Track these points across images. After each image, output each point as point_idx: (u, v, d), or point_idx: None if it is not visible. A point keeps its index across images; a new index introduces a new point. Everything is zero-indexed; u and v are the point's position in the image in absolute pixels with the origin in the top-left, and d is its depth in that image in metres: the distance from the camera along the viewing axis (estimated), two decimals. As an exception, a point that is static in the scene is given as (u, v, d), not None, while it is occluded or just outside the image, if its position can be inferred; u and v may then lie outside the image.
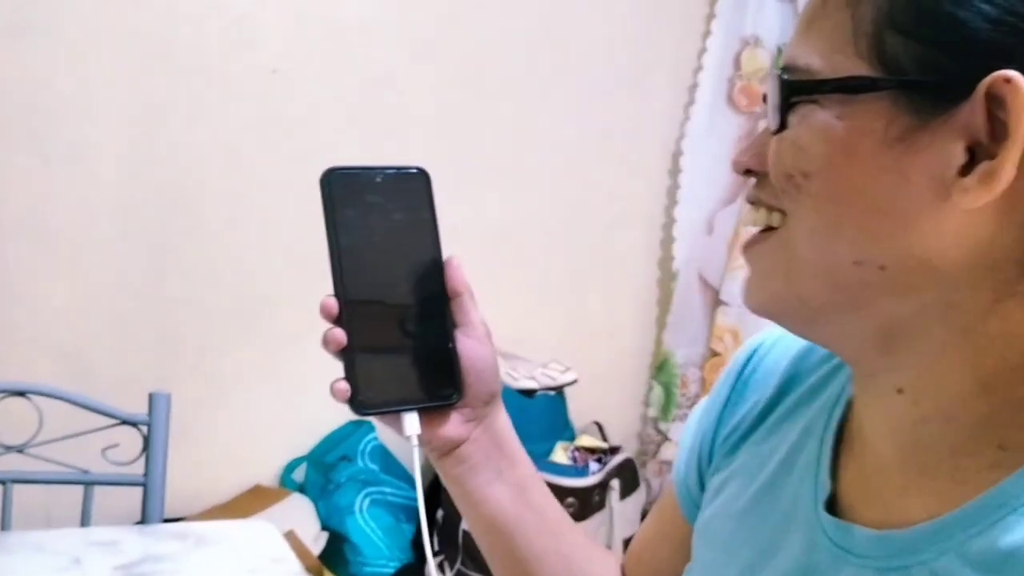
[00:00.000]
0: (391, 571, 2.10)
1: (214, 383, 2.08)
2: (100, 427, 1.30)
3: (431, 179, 0.73)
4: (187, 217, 2.08)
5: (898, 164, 0.47)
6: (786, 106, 0.51)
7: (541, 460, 2.20)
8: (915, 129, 0.46)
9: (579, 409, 2.41)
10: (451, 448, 0.71)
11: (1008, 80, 0.44)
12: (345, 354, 0.66)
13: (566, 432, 2.36)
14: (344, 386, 0.66)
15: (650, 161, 2.51)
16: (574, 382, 2.35)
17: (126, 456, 1.29)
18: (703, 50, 2.53)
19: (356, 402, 0.66)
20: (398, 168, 0.72)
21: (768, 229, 0.54)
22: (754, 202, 0.55)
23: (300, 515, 2.07)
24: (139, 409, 1.33)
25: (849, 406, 0.60)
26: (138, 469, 1.31)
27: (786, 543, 0.58)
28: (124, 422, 1.30)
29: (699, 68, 2.51)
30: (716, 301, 2.50)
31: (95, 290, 2.00)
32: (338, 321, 0.67)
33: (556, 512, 0.76)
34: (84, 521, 1.28)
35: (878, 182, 0.48)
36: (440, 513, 2.19)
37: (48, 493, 1.30)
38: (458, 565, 2.11)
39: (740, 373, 0.70)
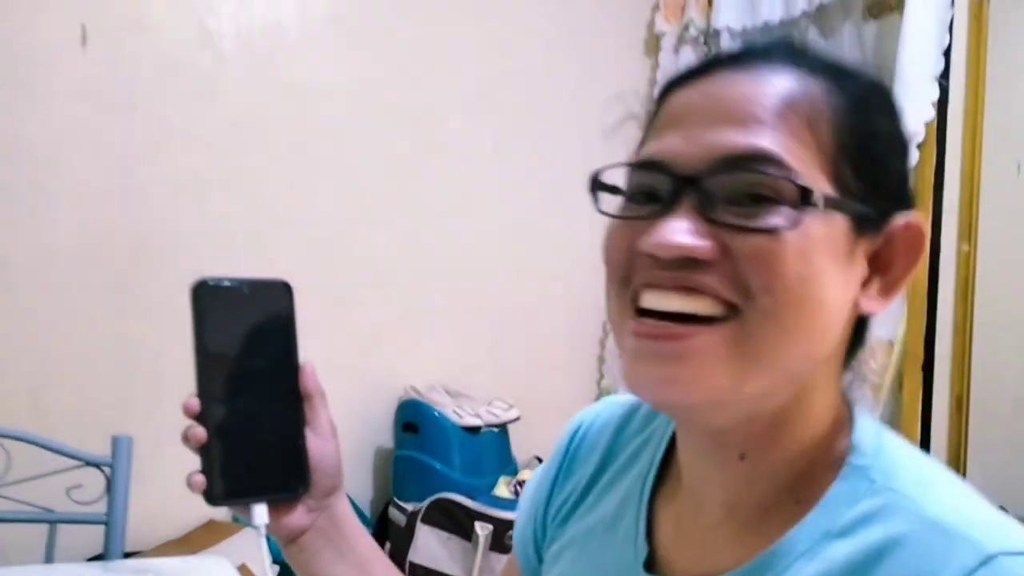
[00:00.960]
0: (340, 602, 2.18)
1: (170, 422, 2.15)
2: (64, 468, 1.39)
3: (293, 290, 0.78)
4: (145, 261, 2.16)
5: (844, 275, 0.56)
6: (797, 211, 0.53)
7: (485, 494, 2.30)
8: (853, 247, 0.56)
9: (521, 444, 2.52)
10: (296, 535, 0.76)
11: (906, 225, 0.58)
12: (203, 450, 0.71)
13: (509, 467, 2.46)
14: (200, 479, 0.70)
15: (592, 213, 2.66)
16: (517, 419, 2.46)
17: (89, 496, 1.38)
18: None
19: (209, 495, 0.71)
20: (265, 280, 0.77)
21: (701, 319, 0.55)
22: (695, 289, 0.55)
23: (252, 549, 2.15)
24: (96, 447, 1.42)
25: (660, 476, 0.68)
26: (100, 508, 1.40)
27: None
28: (88, 463, 1.39)
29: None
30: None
31: (55, 332, 2.07)
32: (199, 419, 0.71)
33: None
34: (48, 558, 1.37)
35: (836, 290, 0.56)
36: (388, 546, 2.29)
37: (12, 531, 1.38)
38: (404, 596, 2.21)
39: (567, 450, 0.78)
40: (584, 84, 2.67)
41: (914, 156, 1.96)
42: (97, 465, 1.39)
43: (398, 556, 2.24)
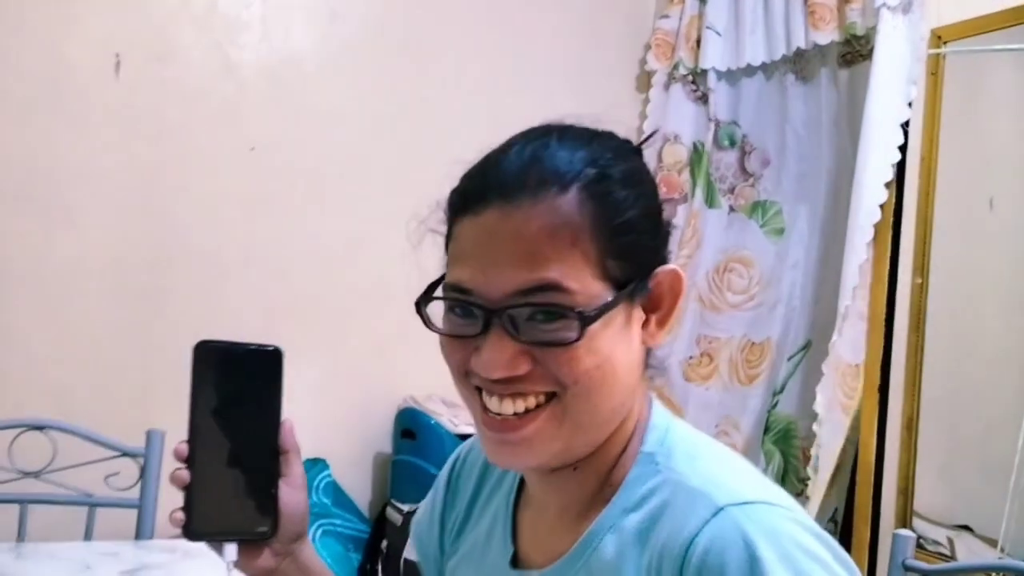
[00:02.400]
0: (339, 596, 2.34)
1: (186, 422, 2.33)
2: (103, 458, 1.56)
3: (283, 356, 0.86)
4: (170, 274, 2.34)
5: (628, 339, 0.73)
6: (580, 326, 0.69)
7: (476, 498, 2.46)
8: (630, 312, 0.73)
9: (512, 454, 2.68)
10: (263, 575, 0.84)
11: (670, 273, 0.75)
12: (186, 490, 0.79)
13: (500, 474, 2.62)
14: (180, 515, 0.78)
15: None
16: (508, 429, 2.63)
17: (124, 483, 1.55)
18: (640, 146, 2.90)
19: (188, 529, 0.79)
20: (260, 346, 0.85)
21: (532, 408, 0.71)
22: (519, 394, 0.71)
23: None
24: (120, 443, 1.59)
25: (519, 492, 0.85)
26: (134, 494, 1.57)
27: None
28: (124, 454, 1.56)
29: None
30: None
31: (85, 337, 2.24)
32: (186, 462, 0.80)
33: None
34: (88, 536, 1.53)
35: (624, 354, 0.73)
36: (385, 543, 2.45)
37: (57, 512, 1.55)
38: (396, 591, 2.37)
39: (450, 478, 0.95)
40: (578, 118, 2.85)
41: (882, 195, 2.12)
42: (133, 455, 1.56)
43: (395, 554, 2.40)
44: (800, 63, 2.51)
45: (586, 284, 0.70)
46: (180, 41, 2.34)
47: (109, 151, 2.26)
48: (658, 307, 0.76)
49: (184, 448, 0.80)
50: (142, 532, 1.55)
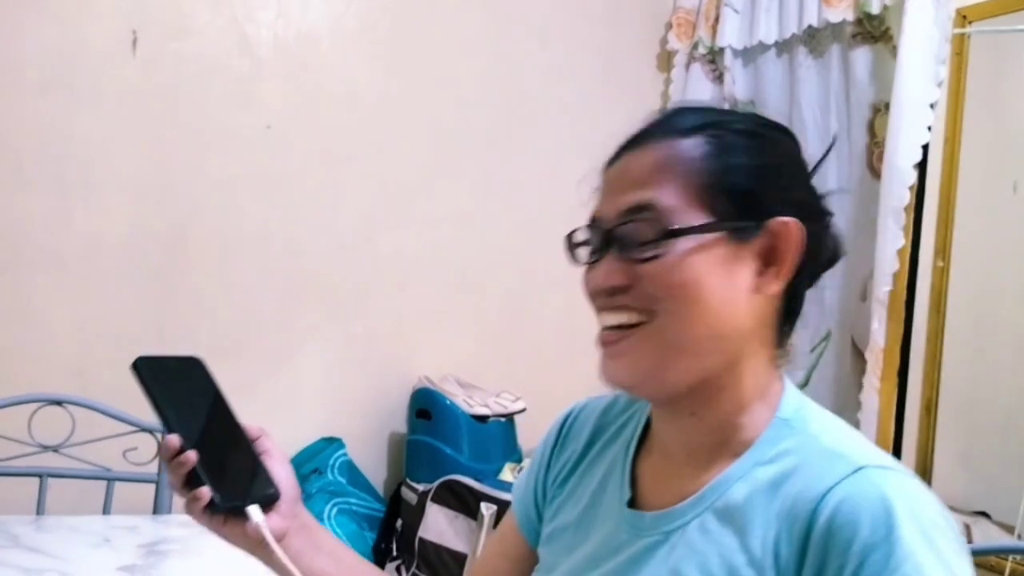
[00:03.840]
0: (353, 573, 2.35)
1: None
2: (121, 433, 1.56)
3: (205, 362, 0.95)
4: (185, 252, 2.34)
5: (728, 274, 0.77)
6: (660, 242, 0.76)
7: (491, 478, 2.47)
8: (737, 251, 0.77)
9: (527, 435, 2.68)
10: (281, 537, 0.88)
11: (783, 223, 0.77)
12: (194, 473, 0.84)
13: (514, 455, 2.62)
14: (206, 490, 0.84)
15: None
16: (523, 410, 2.62)
17: (142, 457, 1.56)
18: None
19: (221, 500, 0.84)
20: (183, 356, 0.95)
21: (627, 326, 0.78)
22: (620, 307, 0.79)
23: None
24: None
25: (642, 439, 0.89)
26: (152, 468, 1.57)
27: (607, 535, 0.86)
28: (142, 429, 1.57)
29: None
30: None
31: (101, 314, 2.25)
32: (179, 453, 0.85)
33: (365, 564, 1.00)
34: (106, 510, 1.54)
35: (721, 287, 0.77)
36: (399, 522, 2.46)
37: (77, 486, 1.56)
38: (413, 568, 2.38)
39: (559, 432, 0.99)
40: (600, 96, 2.83)
41: (912, 177, 2.09)
42: (150, 431, 1.56)
43: (409, 532, 2.41)
44: (811, 40, 2.49)
45: (685, 209, 0.77)
46: (197, 18, 2.33)
47: (126, 128, 2.26)
48: (777, 258, 0.78)
49: (174, 439, 0.86)
50: (160, 507, 1.55)
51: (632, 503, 0.86)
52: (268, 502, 0.88)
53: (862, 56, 2.34)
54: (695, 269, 0.76)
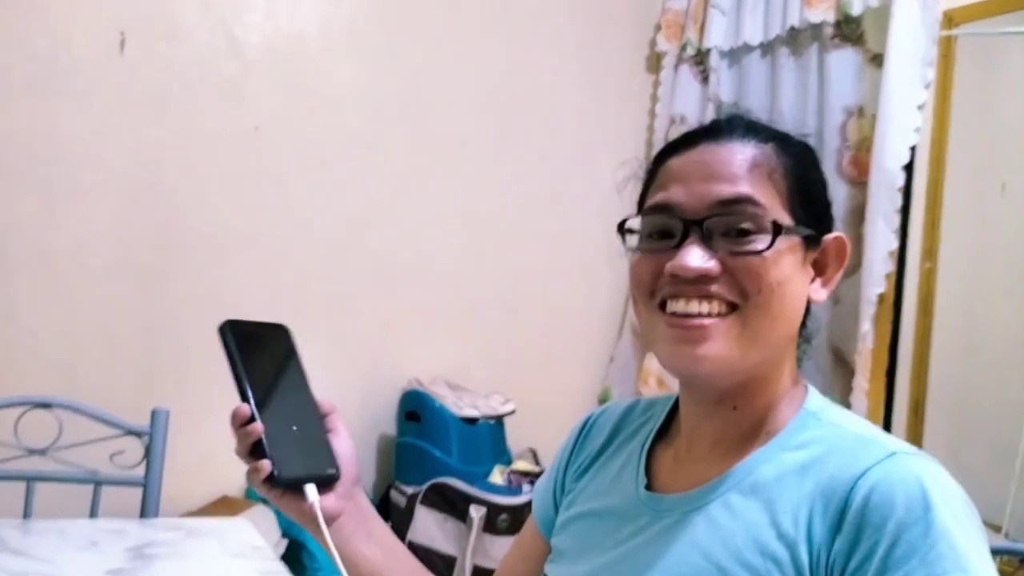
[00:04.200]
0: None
1: (190, 402, 2.31)
2: (108, 436, 1.55)
3: (291, 331, 0.96)
4: (173, 253, 2.33)
5: (802, 277, 0.82)
6: (771, 236, 0.78)
7: (480, 480, 2.47)
8: (805, 257, 0.82)
9: (516, 436, 2.69)
10: (334, 518, 0.91)
11: (839, 238, 0.85)
12: (258, 445, 0.86)
13: (504, 456, 2.62)
14: (267, 463, 0.86)
15: (591, 219, 2.83)
16: (512, 412, 2.62)
17: (130, 461, 1.55)
18: (651, 126, 2.90)
19: (278, 475, 0.86)
20: (271, 323, 0.95)
21: (713, 314, 0.79)
22: (706, 295, 0.79)
23: (263, 524, 2.30)
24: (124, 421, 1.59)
25: (659, 435, 0.93)
26: (139, 472, 1.56)
27: (625, 518, 0.88)
28: (129, 432, 1.56)
29: (649, 140, 2.89)
30: (646, 348, 2.80)
31: (89, 316, 2.23)
32: (248, 423, 0.87)
33: (413, 561, 1.02)
34: (93, 514, 1.53)
35: (799, 288, 0.82)
36: (388, 524, 2.45)
37: (63, 490, 1.55)
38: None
39: (579, 434, 1.02)
40: (591, 99, 2.84)
41: (899, 177, 2.09)
42: (138, 434, 1.56)
43: (397, 535, 2.40)
44: (794, 43, 2.50)
45: (776, 210, 0.80)
46: (185, 19, 2.32)
47: (113, 129, 2.25)
48: (824, 269, 0.85)
49: (246, 408, 0.88)
50: (147, 510, 1.54)
51: (649, 489, 0.88)
52: (327, 482, 0.90)
53: (837, 59, 2.36)
54: (787, 268, 0.80)
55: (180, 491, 2.30)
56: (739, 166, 0.80)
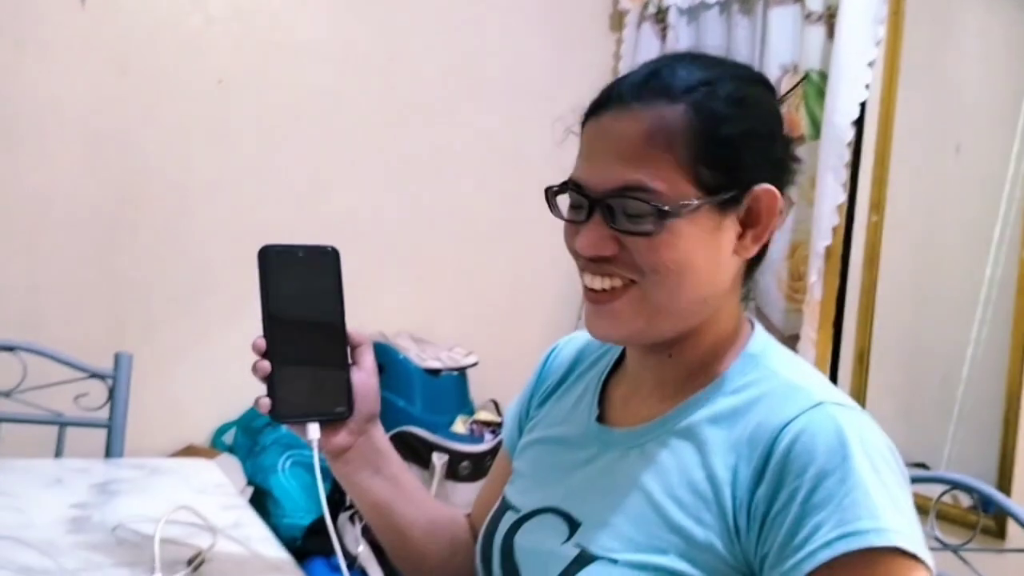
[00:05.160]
0: (306, 523, 2.39)
1: (156, 353, 2.34)
2: (72, 379, 1.59)
3: (340, 255, 0.96)
4: (137, 205, 2.35)
5: (715, 243, 0.82)
6: (659, 220, 0.79)
7: (443, 429, 2.52)
8: (721, 221, 0.82)
9: (479, 388, 2.73)
10: (341, 452, 0.97)
11: (765, 191, 0.83)
12: (268, 379, 0.90)
13: (466, 407, 2.67)
14: (267, 401, 0.91)
15: (556, 175, 2.86)
16: (475, 364, 2.67)
17: (94, 403, 1.58)
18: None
19: (275, 413, 0.91)
20: (317, 246, 0.96)
21: (615, 290, 0.83)
22: (606, 273, 0.83)
23: (229, 471, 2.34)
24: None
25: (615, 369, 0.97)
26: (103, 414, 1.60)
27: (576, 446, 0.94)
28: (93, 375, 1.59)
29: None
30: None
31: (54, 265, 2.25)
32: (265, 355, 0.91)
33: (422, 494, 1.07)
34: (58, 454, 1.57)
35: (706, 256, 0.82)
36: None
37: (28, 431, 1.58)
38: (365, 520, 2.43)
39: (544, 364, 1.07)
40: (554, 57, 2.86)
41: (849, 133, 2.14)
42: (101, 377, 1.59)
43: (362, 483, 2.45)
44: (745, 1, 2.51)
45: (674, 185, 0.80)
46: (147, -29, 2.32)
47: (76, 81, 2.25)
48: (756, 222, 0.84)
49: (261, 342, 0.91)
50: (112, 451, 1.58)
51: (600, 421, 0.93)
52: (333, 420, 0.94)
53: (778, 16, 2.37)
54: (684, 245, 0.80)
55: (146, 439, 2.32)
56: (634, 142, 0.80)
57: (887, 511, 0.72)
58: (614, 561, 0.81)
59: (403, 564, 1.07)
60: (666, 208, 0.79)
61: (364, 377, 0.97)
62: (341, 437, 0.96)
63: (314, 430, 0.93)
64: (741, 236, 0.83)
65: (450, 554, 1.06)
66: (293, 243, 0.94)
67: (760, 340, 0.88)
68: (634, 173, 0.79)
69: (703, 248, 0.81)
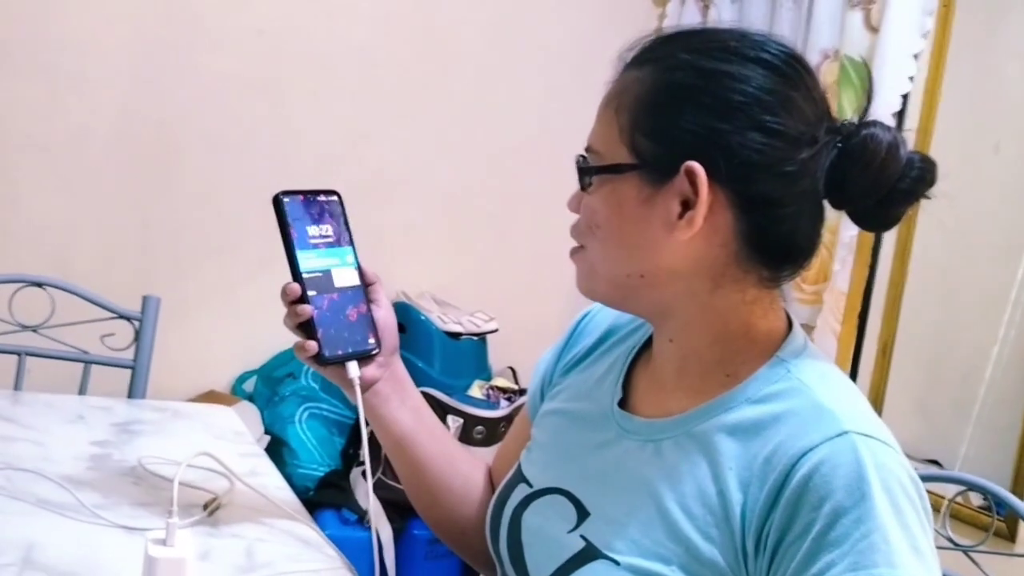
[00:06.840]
0: (320, 474, 2.42)
1: (183, 299, 2.36)
2: (100, 318, 1.61)
3: (343, 198, 1.02)
4: (173, 150, 2.36)
5: (645, 215, 0.80)
6: (587, 179, 0.84)
7: (460, 392, 2.53)
8: (653, 194, 0.80)
9: (498, 355, 2.75)
10: (372, 384, 1.02)
11: (693, 168, 0.78)
12: (307, 325, 0.95)
13: (484, 373, 2.69)
14: (313, 344, 0.95)
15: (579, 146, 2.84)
16: (495, 331, 2.68)
17: (119, 344, 1.61)
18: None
19: (319, 357, 0.95)
20: (323, 190, 1.01)
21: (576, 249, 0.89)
22: (574, 233, 0.89)
23: (247, 418, 2.38)
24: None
25: (644, 348, 0.95)
26: (128, 355, 1.62)
27: (595, 427, 0.93)
28: (120, 316, 1.61)
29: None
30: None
31: (87, 205, 2.28)
32: (299, 301, 0.95)
33: (441, 429, 1.10)
34: (81, 392, 1.59)
35: (635, 227, 0.81)
36: (368, 431, 2.53)
37: (54, 366, 1.61)
38: (379, 474, 2.46)
39: (575, 328, 1.06)
40: (596, 30, 2.83)
41: (889, 123, 2.09)
42: (128, 318, 1.61)
43: (376, 440, 2.48)
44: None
45: (612, 148, 0.82)
46: (193, -83, 2.32)
47: (119, 22, 2.26)
48: (693, 203, 0.79)
49: (296, 287, 0.96)
50: (135, 392, 1.61)
51: (622, 405, 0.92)
52: (367, 356, 0.99)
53: (822, 0, 2.33)
54: (608, 208, 0.83)
55: (168, 382, 2.35)
56: (602, 105, 0.85)
57: (905, 557, 0.69)
58: (616, 563, 0.80)
59: (419, 502, 1.08)
60: (594, 167, 0.83)
61: (384, 312, 1.02)
62: (371, 371, 1.01)
63: (354, 368, 0.97)
64: (681, 216, 0.79)
65: (464, 493, 1.07)
66: (298, 188, 0.99)
67: (795, 345, 0.83)
68: (592, 136, 0.85)
69: (631, 216, 0.82)
